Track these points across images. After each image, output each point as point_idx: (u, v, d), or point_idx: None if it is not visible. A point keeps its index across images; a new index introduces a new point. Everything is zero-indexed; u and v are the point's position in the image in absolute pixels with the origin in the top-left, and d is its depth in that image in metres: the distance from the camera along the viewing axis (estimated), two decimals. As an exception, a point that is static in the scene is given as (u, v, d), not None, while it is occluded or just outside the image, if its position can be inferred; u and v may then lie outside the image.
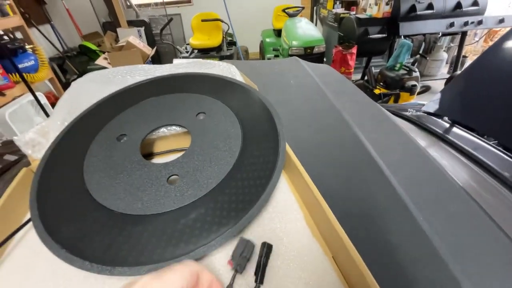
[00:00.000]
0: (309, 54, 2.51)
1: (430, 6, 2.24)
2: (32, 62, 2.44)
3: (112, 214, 0.30)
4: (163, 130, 0.42)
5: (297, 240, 0.30)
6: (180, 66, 0.62)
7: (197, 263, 0.21)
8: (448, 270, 0.29)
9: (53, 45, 3.26)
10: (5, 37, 2.25)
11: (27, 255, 0.30)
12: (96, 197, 0.32)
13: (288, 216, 0.32)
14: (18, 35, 2.46)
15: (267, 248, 0.29)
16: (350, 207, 0.35)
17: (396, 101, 2.18)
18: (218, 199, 0.30)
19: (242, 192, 0.27)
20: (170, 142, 0.44)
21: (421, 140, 0.72)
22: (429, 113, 0.90)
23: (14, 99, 2.15)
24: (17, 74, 2.19)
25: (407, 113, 0.91)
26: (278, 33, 3.26)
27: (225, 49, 3.18)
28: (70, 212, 0.31)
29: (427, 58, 2.93)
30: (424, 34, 2.57)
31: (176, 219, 0.29)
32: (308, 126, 0.51)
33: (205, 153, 0.36)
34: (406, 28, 2.33)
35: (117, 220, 0.30)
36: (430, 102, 0.93)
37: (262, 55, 3.59)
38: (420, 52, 2.81)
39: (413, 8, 2.24)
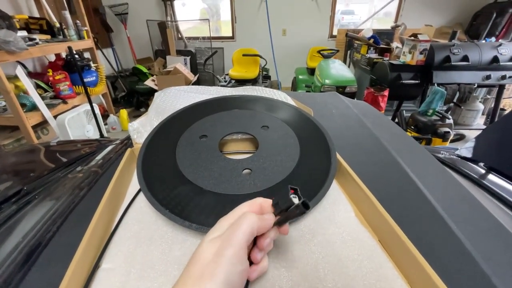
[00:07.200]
0: (341, 93, 2.60)
1: (465, 58, 2.29)
2: (94, 78, 2.79)
3: (202, 190, 0.38)
4: (235, 135, 0.51)
5: (347, 225, 0.35)
6: (240, 89, 0.73)
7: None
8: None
9: (111, 65, 3.72)
10: (77, 56, 2.64)
11: (138, 216, 0.37)
12: (187, 176, 0.40)
13: (339, 208, 0.38)
14: (86, 54, 2.87)
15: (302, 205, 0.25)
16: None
17: (427, 145, 2.17)
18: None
19: (301, 188, 0.33)
20: (239, 145, 0.53)
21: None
22: (463, 158, 0.91)
23: (73, 107, 2.45)
24: (79, 86, 2.51)
25: (439, 155, 0.92)
26: (311, 71, 3.46)
27: (261, 81, 3.41)
28: (167, 185, 0.39)
29: (462, 107, 2.91)
30: (458, 84, 2.59)
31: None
32: (349, 148, 0.58)
33: (270, 156, 0.44)
34: (440, 76, 2.37)
35: (205, 194, 0.37)
36: (464, 147, 0.94)
37: (293, 90, 3.79)
38: (454, 100, 2.81)
39: (447, 59, 2.30)
